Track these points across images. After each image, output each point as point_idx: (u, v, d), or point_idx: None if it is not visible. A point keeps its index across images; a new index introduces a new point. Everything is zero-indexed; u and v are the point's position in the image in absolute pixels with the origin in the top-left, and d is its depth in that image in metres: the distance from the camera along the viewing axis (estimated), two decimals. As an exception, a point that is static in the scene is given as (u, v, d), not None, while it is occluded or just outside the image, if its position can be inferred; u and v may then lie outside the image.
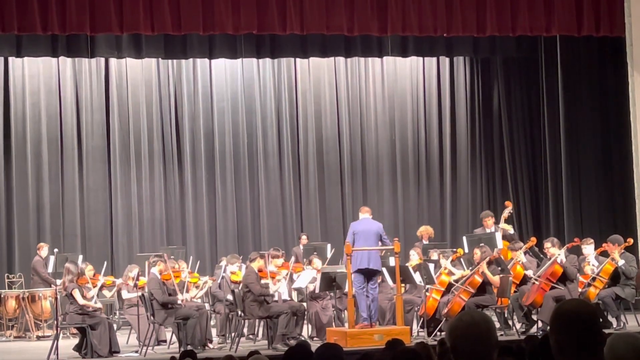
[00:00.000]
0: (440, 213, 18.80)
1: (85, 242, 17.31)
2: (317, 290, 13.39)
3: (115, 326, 13.49)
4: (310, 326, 13.47)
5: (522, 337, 11.66)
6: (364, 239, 12.53)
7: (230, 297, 13.23)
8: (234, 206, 18.06)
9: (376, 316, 12.71)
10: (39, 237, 16.93)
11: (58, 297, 13.13)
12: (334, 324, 13.33)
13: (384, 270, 13.40)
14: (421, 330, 13.32)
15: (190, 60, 17.87)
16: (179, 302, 12.69)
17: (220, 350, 12.38)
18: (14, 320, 15.50)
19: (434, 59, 18.93)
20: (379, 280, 13.48)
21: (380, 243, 12.73)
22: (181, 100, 17.97)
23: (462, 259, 14.13)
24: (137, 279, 13.36)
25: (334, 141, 18.57)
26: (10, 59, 17.10)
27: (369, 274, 12.60)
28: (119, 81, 17.69)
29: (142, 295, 12.81)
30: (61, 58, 17.17)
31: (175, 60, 17.85)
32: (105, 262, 15.14)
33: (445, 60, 18.99)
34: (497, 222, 15.39)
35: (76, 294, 12.29)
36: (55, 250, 14.37)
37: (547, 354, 4.61)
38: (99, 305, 12.85)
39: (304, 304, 13.45)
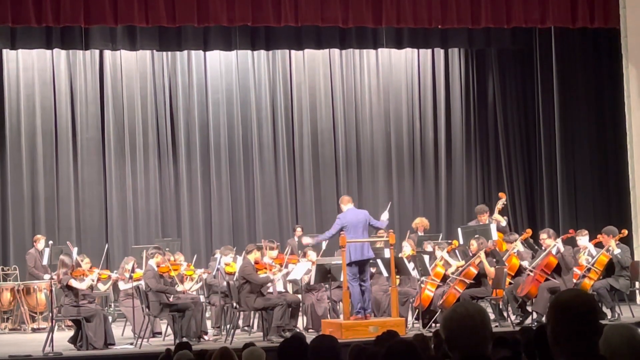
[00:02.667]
0: (435, 205, 18.81)
1: (80, 234, 17.30)
2: (312, 282, 13.41)
3: (110, 318, 13.50)
4: (305, 318, 13.49)
5: (517, 328, 11.70)
6: (354, 231, 12.52)
7: (224, 284, 13.25)
8: (229, 198, 18.05)
9: (370, 307, 12.70)
10: (33, 229, 16.92)
11: (53, 289, 13.12)
12: (329, 315, 13.34)
13: (379, 262, 13.41)
14: (416, 322, 13.35)
15: (185, 52, 17.85)
16: (178, 290, 12.70)
17: (216, 342, 12.38)
18: (9, 313, 15.50)
19: (429, 51, 18.92)
20: (373, 271, 13.50)
21: (371, 231, 12.74)
22: (176, 93, 17.95)
23: (457, 251, 14.14)
24: (133, 271, 13.36)
25: (329, 133, 18.57)
26: (5, 51, 17.06)
27: (362, 264, 12.59)
28: (113, 73, 17.66)
29: (137, 287, 12.81)
30: (55, 50, 17.15)
31: (169, 52, 17.83)
32: (104, 257, 15.17)
33: (440, 52, 18.97)
34: (491, 214, 15.41)
35: (73, 283, 12.30)
36: (50, 242, 14.36)
37: (542, 345, 4.62)
38: (94, 281, 12.83)
39: (299, 295, 13.47)
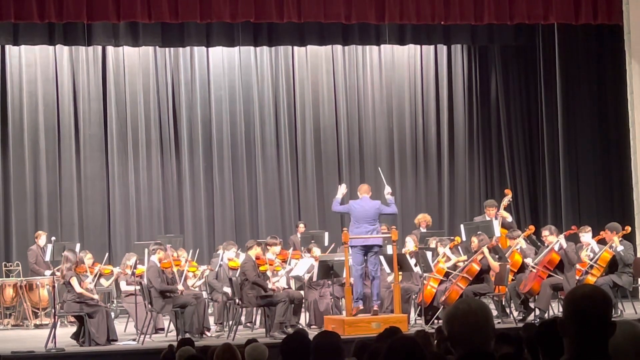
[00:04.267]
0: (437, 201, 18.80)
1: (82, 230, 17.32)
2: (314, 279, 13.41)
3: (113, 314, 13.50)
4: (308, 314, 13.49)
5: (520, 324, 11.72)
6: (357, 221, 12.51)
7: (227, 289, 13.25)
8: (231, 195, 18.06)
9: (379, 299, 12.65)
10: (36, 225, 16.93)
11: (56, 285, 13.13)
12: (331, 312, 13.34)
13: (382, 258, 13.40)
14: (419, 318, 13.34)
15: (188, 48, 17.85)
16: (177, 291, 12.69)
17: (218, 339, 12.40)
18: (12, 309, 15.50)
19: (432, 47, 18.89)
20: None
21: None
22: (178, 89, 17.95)
23: (459, 247, 14.14)
24: (135, 268, 13.37)
25: (332, 129, 18.56)
26: (7, 47, 17.07)
27: (367, 249, 12.56)
28: (116, 69, 17.66)
29: (140, 283, 12.82)
30: (58, 46, 17.15)
31: (172, 49, 17.83)
32: (107, 253, 15.16)
33: (442, 48, 18.95)
34: (497, 210, 15.39)
35: (73, 282, 12.30)
36: (53, 238, 14.36)
37: (544, 342, 4.61)
38: (96, 296, 12.82)
39: (302, 292, 13.46)
